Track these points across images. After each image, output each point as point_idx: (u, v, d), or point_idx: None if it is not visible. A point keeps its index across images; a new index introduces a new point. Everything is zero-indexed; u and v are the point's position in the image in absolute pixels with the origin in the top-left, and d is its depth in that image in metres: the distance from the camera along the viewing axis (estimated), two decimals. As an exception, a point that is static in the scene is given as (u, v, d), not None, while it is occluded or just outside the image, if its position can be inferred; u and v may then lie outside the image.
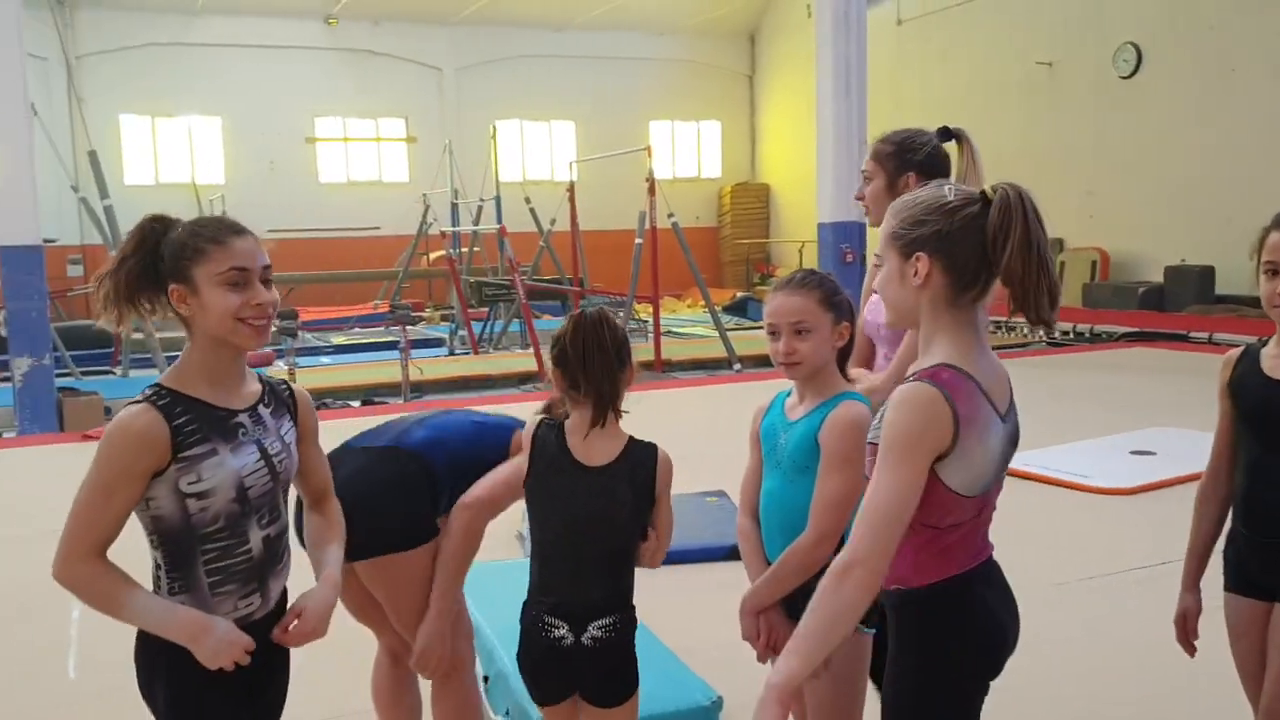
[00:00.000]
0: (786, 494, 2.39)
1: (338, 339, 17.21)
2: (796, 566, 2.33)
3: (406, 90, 23.63)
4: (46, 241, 10.03)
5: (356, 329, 18.42)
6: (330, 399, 11.14)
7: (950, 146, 2.78)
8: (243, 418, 2.11)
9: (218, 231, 2.08)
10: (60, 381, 10.38)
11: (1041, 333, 15.01)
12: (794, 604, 2.39)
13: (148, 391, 2.07)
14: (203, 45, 21.77)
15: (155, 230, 2.11)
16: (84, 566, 2.01)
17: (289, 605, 2.22)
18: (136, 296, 2.10)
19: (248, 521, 2.10)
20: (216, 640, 2.03)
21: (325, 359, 14.92)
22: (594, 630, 2.30)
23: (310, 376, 11.68)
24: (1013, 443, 1.98)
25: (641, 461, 2.35)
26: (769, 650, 2.41)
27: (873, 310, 2.96)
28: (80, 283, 19.56)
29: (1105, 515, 5.86)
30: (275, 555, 2.18)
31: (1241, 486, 2.49)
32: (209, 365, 2.09)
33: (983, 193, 1.89)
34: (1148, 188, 16.54)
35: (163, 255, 2.08)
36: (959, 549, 1.94)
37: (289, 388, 2.30)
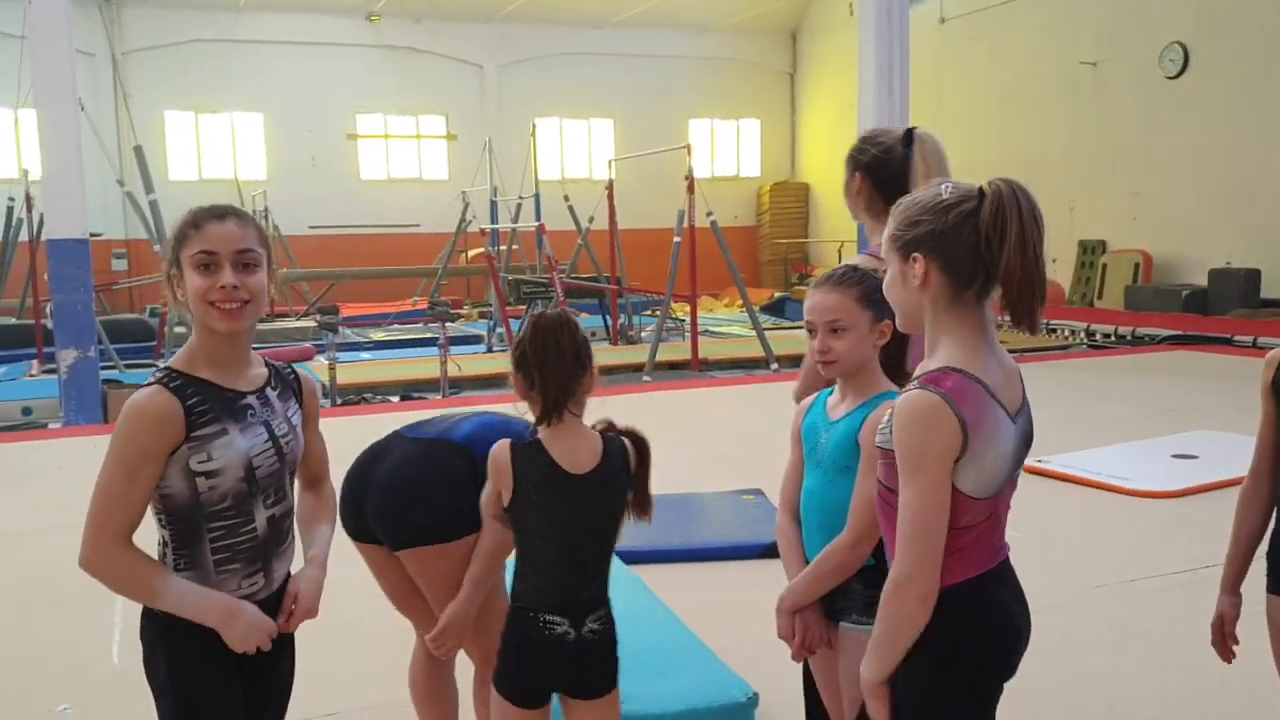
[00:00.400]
0: (827, 493, 2.38)
1: (377, 335, 17.33)
2: (834, 566, 2.32)
3: (447, 87, 23.79)
4: (92, 235, 10.16)
5: (396, 325, 18.54)
6: (370, 394, 11.23)
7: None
8: (251, 399, 2.16)
9: (198, 216, 2.11)
10: (104, 374, 10.53)
11: (1082, 335, 14.87)
12: (831, 603, 2.38)
13: (158, 374, 2.10)
14: (246, 42, 22.03)
15: None
16: (115, 552, 2.04)
17: None
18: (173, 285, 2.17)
19: (254, 501, 2.14)
20: (247, 624, 2.09)
21: (365, 354, 15.03)
22: (591, 623, 2.31)
23: (350, 372, 11.78)
24: (1026, 442, 1.97)
25: (618, 453, 2.35)
26: (804, 650, 2.40)
27: None
28: (124, 276, 19.83)
29: (1146, 518, 5.80)
30: (279, 535, 2.21)
31: None
32: (211, 349, 2.13)
33: (980, 189, 1.88)
34: (1193, 189, 16.35)
35: None
36: (974, 550, 1.93)
37: (294, 372, 2.33)
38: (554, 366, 2.29)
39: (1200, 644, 2.67)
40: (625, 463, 2.36)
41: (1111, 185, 17.74)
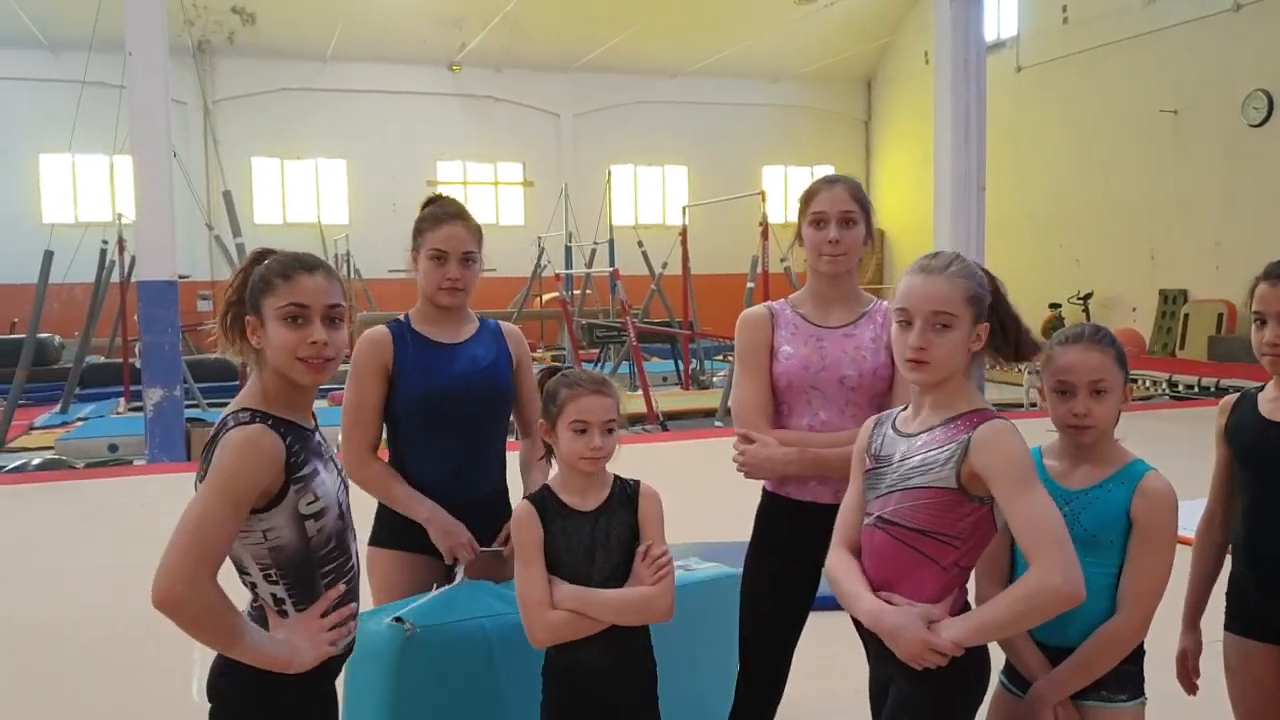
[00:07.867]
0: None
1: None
2: (1109, 654, 2.19)
3: (525, 135, 24.13)
4: (180, 278, 10.41)
5: (470, 368, 18.66)
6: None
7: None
8: (318, 435, 2.11)
9: (288, 266, 2.05)
10: (188, 412, 10.74)
11: (1164, 386, 14.55)
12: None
13: (245, 413, 2.00)
14: (331, 91, 22.57)
15: (254, 265, 2.12)
16: (207, 589, 1.86)
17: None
18: (235, 330, 2.11)
19: (349, 535, 2.10)
20: (309, 644, 2.01)
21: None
22: None
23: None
24: None
25: None
26: None
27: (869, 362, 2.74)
28: (209, 317, 20.21)
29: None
30: (360, 568, 2.18)
31: (1243, 529, 2.52)
32: (287, 393, 2.05)
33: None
34: (1279, 239, 15.99)
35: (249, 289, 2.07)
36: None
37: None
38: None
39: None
40: None
41: (1193, 234, 17.42)
